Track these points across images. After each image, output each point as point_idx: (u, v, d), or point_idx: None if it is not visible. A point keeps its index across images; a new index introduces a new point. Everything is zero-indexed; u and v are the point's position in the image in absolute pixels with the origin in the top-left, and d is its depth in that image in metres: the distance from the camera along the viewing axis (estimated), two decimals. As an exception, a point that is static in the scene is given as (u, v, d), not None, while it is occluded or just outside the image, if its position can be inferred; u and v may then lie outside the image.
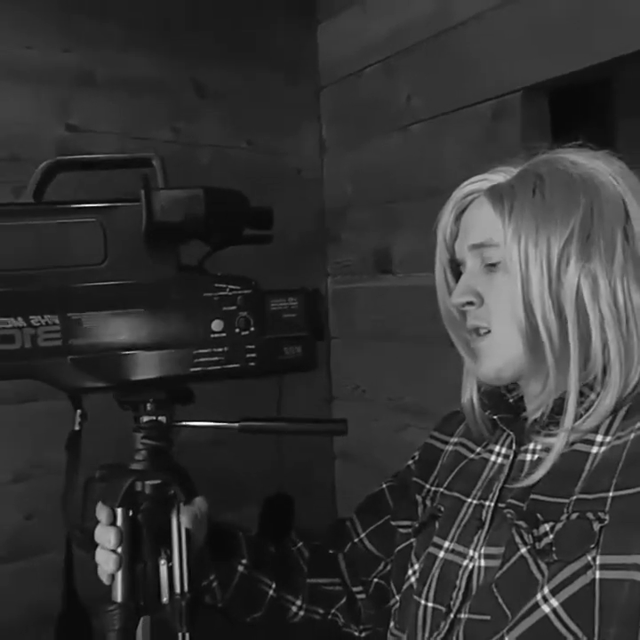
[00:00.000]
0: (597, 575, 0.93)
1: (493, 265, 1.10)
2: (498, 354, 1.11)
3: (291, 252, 2.49)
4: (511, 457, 1.14)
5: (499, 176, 1.14)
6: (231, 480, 2.15)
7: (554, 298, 1.03)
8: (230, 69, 2.50)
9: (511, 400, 1.21)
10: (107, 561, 1.09)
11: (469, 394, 1.22)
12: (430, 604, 1.12)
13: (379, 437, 2.51)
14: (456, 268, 1.20)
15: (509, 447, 1.16)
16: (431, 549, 1.17)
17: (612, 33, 1.73)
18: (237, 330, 1.06)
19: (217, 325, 1.05)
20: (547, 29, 1.88)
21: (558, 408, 1.06)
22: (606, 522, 0.94)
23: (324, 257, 2.75)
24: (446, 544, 1.15)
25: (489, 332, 1.11)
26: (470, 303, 1.12)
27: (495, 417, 1.18)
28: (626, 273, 1.04)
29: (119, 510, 1.09)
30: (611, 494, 0.96)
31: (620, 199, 1.06)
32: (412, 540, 1.25)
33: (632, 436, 0.99)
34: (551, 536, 0.98)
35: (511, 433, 1.15)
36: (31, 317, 1.01)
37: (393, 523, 1.33)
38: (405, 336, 2.41)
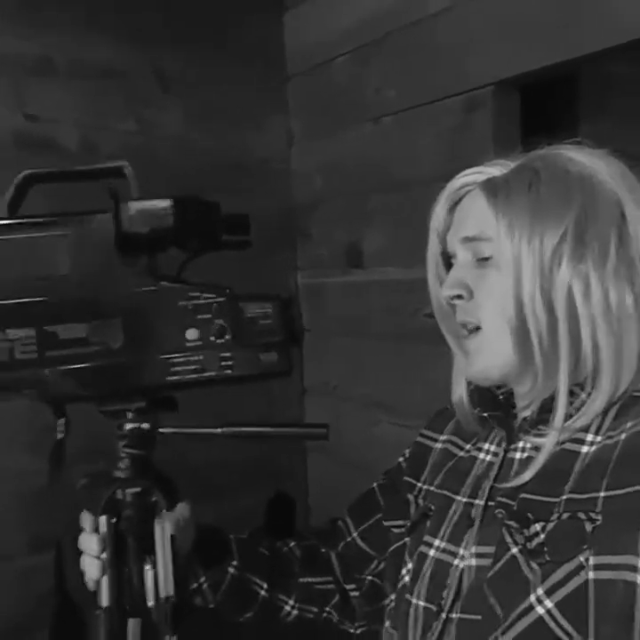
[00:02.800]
0: (591, 576, 0.94)
1: (485, 259, 1.09)
2: (487, 353, 1.10)
3: (260, 246, 2.44)
4: (501, 455, 1.14)
5: (495, 169, 1.12)
6: (201, 472, 2.11)
7: (545, 296, 1.02)
8: (195, 58, 2.46)
9: (501, 397, 1.20)
10: (91, 567, 1.11)
11: (460, 391, 1.22)
12: (422, 603, 1.13)
13: (351, 432, 2.50)
14: (448, 260, 1.18)
15: (499, 445, 1.16)
16: (422, 548, 1.17)
17: (580, 30, 1.72)
18: (213, 338, 1.06)
19: (192, 334, 1.05)
20: (519, 24, 1.87)
21: (548, 406, 1.06)
22: (599, 522, 0.94)
23: (294, 251, 2.73)
24: (437, 543, 1.15)
25: (478, 328, 1.11)
26: (459, 297, 1.11)
27: (485, 414, 1.18)
28: (618, 274, 1.03)
29: (102, 518, 1.11)
30: (602, 494, 0.96)
31: (616, 199, 1.05)
32: (406, 539, 1.26)
33: (623, 435, 0.99)
34: (542, 536, 0.99)
35: (501, 431, 1.15)
36: (8, 331, 1.03)
37: (385, 522, 1.34)
38: (377, 331, 2.41)
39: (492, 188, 1.08)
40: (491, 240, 1.07)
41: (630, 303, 1.03)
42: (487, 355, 1.10)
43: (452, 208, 1.17)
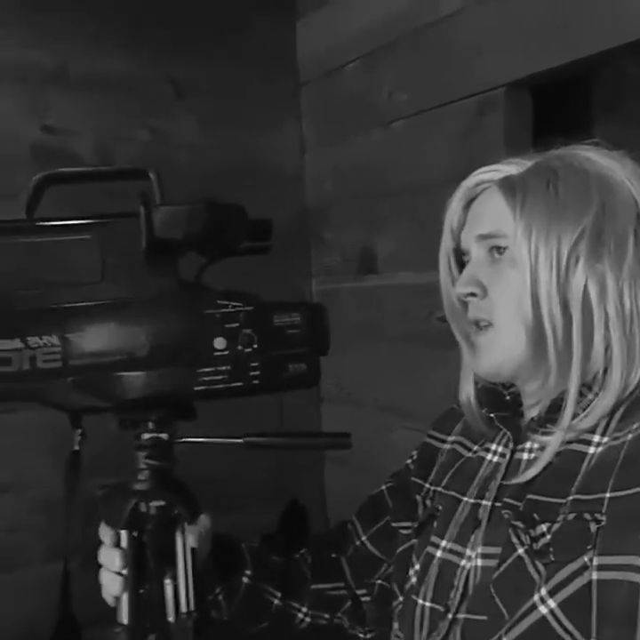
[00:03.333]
0: (595, 576, 0.94)
1: (501, 257, 1.09)
2: (499, 349, 1.10)
3: (274, 252, 2.45)
4: (508, 456, 1.14)
5: (511, 167, 1.12)
6: (218, 482, 2.12)
7: (561, 296, 1.03)
8: (208, 66, 2.46)
9: (508, 398, 1.20)
10: (112, 583, 1.07)
11: (467, 390, 1.22)
12: (428, 604, 1.13)
13: (365, 438, 2.45)
14: (460, 258, 1.18)
15: (506, 446, 1.16)
16: (429, 549, 1.17)
17: (593, 29, 1.73)
18: (240, 347, 1.03)
19: (219, 343, 1.03)
20: (530, 25, 1.87)
21: (556, 407, 1.06)
22: (603, 523, 0.95)
23: (308, 257, 2.73)
24: (444, 543, 1.15)
25: (490, 325, 1.10)
26: (473, 294, 1.11)
27: (492, 415, 1.18)
28: (634, 275, 1.04)
29: (123, 532, 1.07)
30: (607, 495, 0.96)
31: (632, 201, 1.06)
32: (414, 540, 1.25)
33: (629, 436, 1.00)
34: (548, 537, 0.99)
35: (508, 431, 1.15)
36: (29, 339, 0.98)
37: (393, 524, 1.33)
38: (391, 336, 2.41)
39: (509, 186, 1.08)
40: (507, 238, 1.07)
41: None
42: (498, 351, 1.10)
43: (467, 205, 1.16)
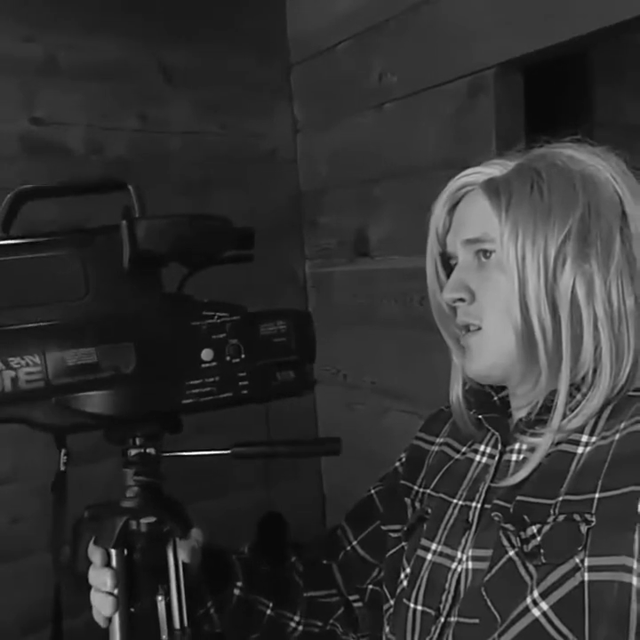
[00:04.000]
0: (586, 577, 0.93)
1: (488, 261, 1.08)
2: (488, 351, 1.09)
3: (268, 236, 2.45)
4: (497, 457, 1.13)
5: (494, 169, 1.11)
6: (212, 472, 2.13)
7: (549, 297, 1.02)
8: (198, 51, 2.43)
9: (496, 399, 1.20)
10: (103, 604, 1.06)
11: (457, 391, 1.21)
12: (419, 608, 1.12)
13: (361, 421, 2.52)
14: (447, 261, 1.17)
15: (495, 447, 1.15)
16: (419, 552, 1.17)
17: (585, 7, 1.71)
18: (228, 358, 1.03)
19: (207, 355, 1.02)
20: (520, 5, 1.86)
21: (545, 408, 1.06)
22: (593, 523, 0.94)
23: (301, 240, 2.72)
24: (434, 546, 1.15)
25: (479, 329, 1.10)
26: (461, 300, 1.10)
27: (480, 416, 1.17)
28: (621, 274, 1.03)
29: (114, 551, 1.06)
30: (597, 495, 0.96)
31: (617, 198, 1.05)
32: (404, 543, 1.25)
33: (617, 436, 0.99)
34: (539, 538, 0.98)
35: (496, 433, 1.15)
36: (10, 359, 0.96)
37: (383, 528, 1.33)
38: (385, 319, 2.41)
39: (493, 189, 1.07)
40: (494, 242, 1.06)
41: (631, 302, 1.04)
42: (489, 353, 1.10)
43: (452, 209, 1.16)
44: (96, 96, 2.24)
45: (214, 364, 1.02)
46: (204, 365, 1.02)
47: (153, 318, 1.02)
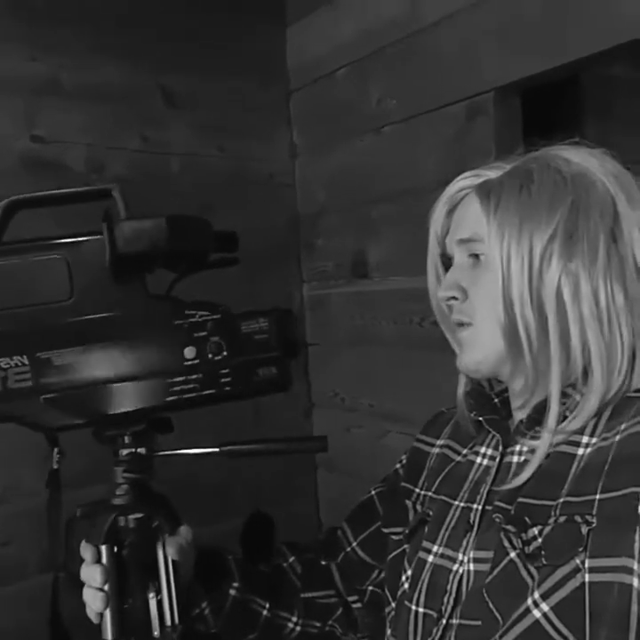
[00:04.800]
0: (587, 578, 0.92)
1: (478, 260, 1.10)
2: (478, 347, 1.11)
3: (265, 259, 2.50)
4: (497, 459, 1.13)
5: (491, 172, 1.13)
6: (211, 492, 2.14)
7: (534, 295, 1.03)
8: (198, 75, 2.48)
9: (496, 401, 1.21)
10: (94, 600, 1.08)
11: (459, 392, 1.23)
12: (421, 610, 1.12)
13: (360, 444, 2.51)
14: (447, 263, 1.19)
15: (495, 449, 1.15)
16: (421, 554, 1.16)
17: (580, 32, 1.74)
18: (210, 355, 1.05)
19: (189, 352, 1.05)
20: (517, 29, 1.89)
21: (542, 408, 1.06)
22: (594, 525, 0.94)
23: (299, 263, 2.74)
24: (435, 548, 1.14)
25: (470, 324, 1.12)
26: (454, 298, 1.12)
27: (481, 418, 1.18)
28: (609, 273, 1.03)
29: (103, 547, 1.08)
30: (597, 497, 0.95)
31: (610, 199, 1.05)
32: (405, 545, 1.24)
33: (617, 437, 0.99)
34: (540, 540, 0.98)
35: (497, 434, 1.15)
36: (-1, 360, 1.00)
37: (384, 529, 1.32)
38: (383, 341, 2.41)
39: (485, 191, 1.09)
40: (483, 241, 1.08)
41: (621, 302, 1.03)
42: (478, 348, 1.11)
43: (451, 211, 1.18)
44: (97, 116, 2.28)
45: (197, 361, 1.04)
46: (186, 363, 1.04)
47: (136, 318, 1.05)
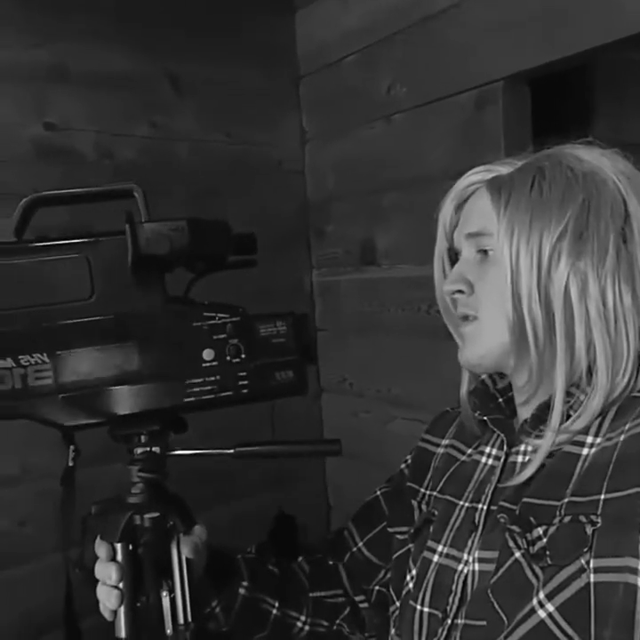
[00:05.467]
0: (592, 578, 0.93)
1: (486, 255, 1.10)
2: (482, 341, 1.11)
3: (274, 245, 2.48)
4: (502, 458, 1.14)
5: (502, 167, 1.13)
6: (220, 475, 2.14)
7: (542, 292, 1.03)
8: (207, 61, 2.47)
9: (501, 400, 1.21)
10: (108, 597, 1.08)
11: (463, 391, 1.23)
12: (426, 610, 1.13)
13: (367, 429, 2.52)
14: (454, 257, 1.19)
15: (500, 448, 1.15)
16: (426, 554, 1.17)
17: (590, 21, 1.74)
18: (228, 358, 1.05)
19: (208, 354, 1.05)
20: (528, 18, 1.89)
21: (548, 408, 1.06)
22: (599, 525, 0.94)
23: (308, 249, 2.74)
24: (440, 548, 1.15)
25: (475, 318, 1.11)
26: (460, 291, 1.12)
27: (485, 418, 1.18)
28: (618, 273, 1.03)
29: (119, 545, 1.09)
30: (602, 497, 0.95)
31: (620, 198, 1.05)
32: (410, 545, 1.25)
33: (622, 437, 0.99)
34: (545, 540, 0.98)
35: (501, 434, 1.15)
36: (20, 357, 1.01)
37: (390, 529, 1.33)
38: (392, 327, 2.42)
39: (496, 186, 1.09)
40: (492, 236, 1.08)
41: (629, 302, 1.03)
42: (481, 342, 1.11)
43: (460, 206, 1.17)
44: (106, 103, 2.28)
45: (215, 363, 1.05)
46: (205, 365, 1.05)
47: (156, 319, 1.05)
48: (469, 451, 1.23)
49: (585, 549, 0.94)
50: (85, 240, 1.04)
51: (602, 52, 1.83)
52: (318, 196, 2.70)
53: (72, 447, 1.10)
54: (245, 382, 1.06)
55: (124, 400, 1.03)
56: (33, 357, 1.01)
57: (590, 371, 1.04)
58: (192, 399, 1.04)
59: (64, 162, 2.20)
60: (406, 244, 2.34)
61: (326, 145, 2.64)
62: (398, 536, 1.30)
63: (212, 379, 1.05)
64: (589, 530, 0.94)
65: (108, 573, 1.08)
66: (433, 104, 2.20)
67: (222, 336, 1.05)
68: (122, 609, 1.08)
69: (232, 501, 2.36)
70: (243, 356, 1.06)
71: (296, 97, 2.70)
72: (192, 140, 2.45)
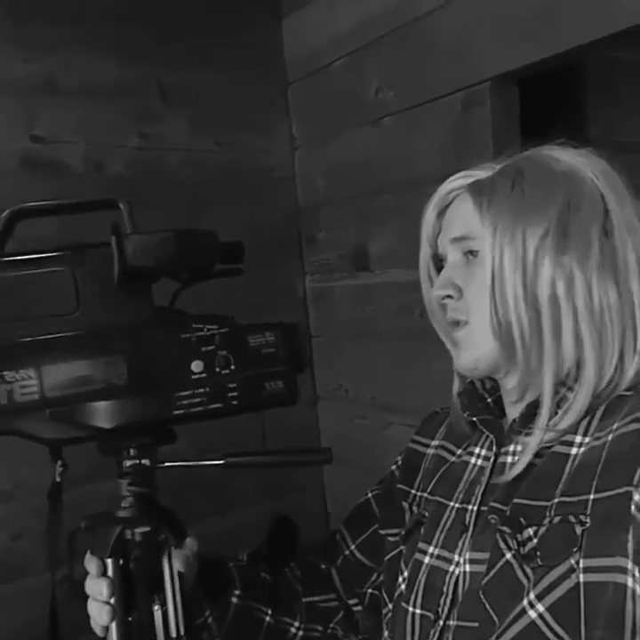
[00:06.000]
0: (581, 578, 0.93)
1: (473, 258, 1.10)
2: (474, 345, 1.11)
3: (267, 252, 2.49)
4: (492, 459, 1.14)
5: (481, 172, 1.14)
6: (218, 483, 2.13)
7: (528, 292, 1.04)
8: (195, 69, 2.45)
9: (490, 401, 1.21)
10: (100, 613, 1.07)
11: (456, 389, 1.23)
12: (418, 611, 1.13)
13: (363, 435, 2.52)
14: (439, 264, 1.19)
15: (489, 449, 1.16)
16: (417, 556, 1.17)
17: (578, 19, 1.73)
18: (218, 369, 1.05)
19: (197, 366, 1.04)
20: (514, 18, 1.88)
21: (536, 407, 1.07)
22: (588, 525, 0.95)
23: (301, 256, 2.73)
24: (431, 549, 1.15)
25: (466, 323, 1.12)
26: (449, 296, 1.12)
27: (475, 419, 1.18)
28: (602, 268, 1.04)
29: (109, 560, 1.08)
30: (591, 497, 0.96)
31: (599, 195, 1.06)
32: (402, 547, 1.25)
33: (610, 436, 0.99)
34: (535, 540, 0.98)
35: (491, 435, 1.16)
36: (5, 373, 0.99)
37: (381, 531, 1.33)
38: (385, 333, 2.41)
39: (477, 190, 1.10)
40: (477, 239, 1.09)
41: (614, 297, 1.04)
42: (474, 346, 1.12)
43: (442, 212, 1.18)
44: (95, 114, 2.26)
45: (204, 375, 1.04)
46: (194, 377, 1.04)
47: (143, 331, 1.04)
48: (459, 451, 1.23)
49: (574, 549, 0.94)
50: (70, 253, 1.03)
51: (590, 50, 1.82)
52: (309, 202, 2.68)
53: (59, 462, 1.09)
54: (235, 394, 1.05)
55: (112, 414, 1.02)
56: (19, 373, 0.99)
57: (578, 367, 1.05)
58: (181, 412, 1.03)
59: (52, 174, 2.18)
60: (398, 247, 2.33)
61: (316, 150, 2.63)
62: (390, 538, 1.30)
63: (202, 391, 1.04)
64: (579, 530, 0.95)
65: (98, 589, 1.08)
66: (421, 106, 2.19)
67: (211, 347, 1.05)
68: (113, 624, 1.07)
69: (231, 511, 2.35)
70: (232, 367, 1.05)
71: (285, 102, 2.69)
72: (182, 148, 2.44)
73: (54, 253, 1.03)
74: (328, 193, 2.60)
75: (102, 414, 1.02)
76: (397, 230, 2.32)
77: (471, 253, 1.11)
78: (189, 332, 1.04)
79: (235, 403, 1.05)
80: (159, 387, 1.03)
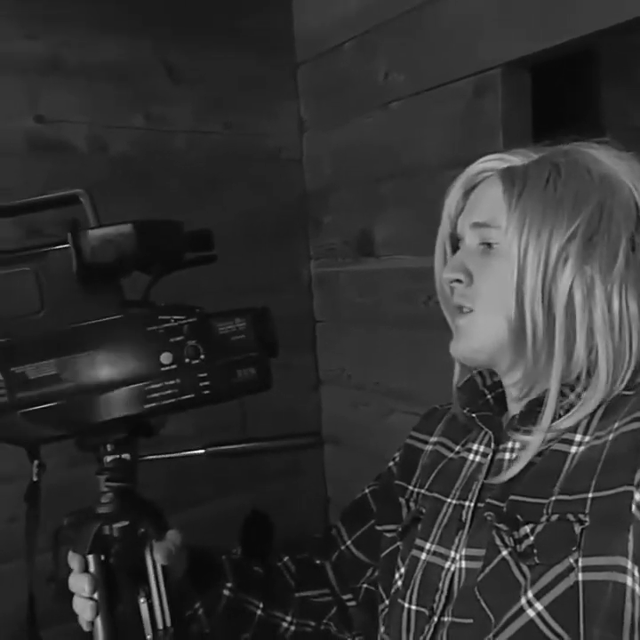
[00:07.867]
0: (580, 577, 0.92)
1: (490, 246, 1.08)
2: (476, 334, 1.10)
3: (272, 235, 2.48)
4: (490, 456, 1.13)
5: (516, 158, 1.11)
6: (217, 468, 2.12)
7: (545, 293, 1.02)
8: (202, 49, 2.42)
9: (489, 397, 1.20)
10: (84, 609, 1.08)
11: (456, 380, 1.22)
12: (414, 607, 1.12)
13: (366, 421, 2.51)
14: (456, 244, 1.17)
15: (488, 446, 1.14)
16: (414, 552, 1.16)
17: (592, 6, 1.68)
18: (187, 360, 1.04)
19: (166, 358, 1.03)
20: (527, 3, 1.84)
21: (538, 406, 1.05)
22: (587, 523, 0.93)
23: (306, 240, 2.71)
24: (428, 546, 1.14)
25: (471, 311, 1.10)
26: (459, 281, 1.10)
27: (474, 415, 1.16)
28: (625, 280, 1.01)
29: (90, 557, 1.09)
30: (590, 495, 0.95)
31: (633, 205, 1.03)
32: (399, 543, 1.24)
33: (611, 436, 0.98)
34: (532, 538, 0.97)
35: (489, 431, 1.14)
36: (-28, 377, 0.99)
37: (378, 527, 1.32)
38: (390, 319, 2.39)
39: (509, 177, 1.06)
40: (500, 228, 1.05)
41: (635, 310, 1.02)
42: (476, 336, 1.10)
43: (468, 192, 1.15)
44: (100, 94, 2.24)
45: (174, 366, 1.03)
46: (163, 369, 1.03)
47: (110, 327, 1.04)
48: (457, 448, 1.22)
49: (573, 548, 0.93)
50: (31, 252, 1.02)
51: (605, 37, 1.77)
52: (316, 186, 2.66)
53: (36, 462, 1.10)
54: (207, 383, 1.04)
55: (85, 411, 1.02)
56: (-15, 376, 0.99)
57: (589, 373, 1.03)
58: (153, 405, 1.03)
59: (57, 155, 2.16)
60: (404, 234, 2.30)
61: (324, 133, 2.60)
62: (387, 534, 1.29)
63: (172, 382, 1.03)
64: (577, 529, 0.94)
65: (81, 585, 1.09)
66: (431, 91, 2.14)
67: (179, 338, 1.04)
68: (99, 619, 1.08)
69: (229, 495, 2.35)
70: (202, 356, 1.04)
71: (293, 85, 2.65)
72: (188, 130, 2.41)
73: (14, 254, 1.03)
74: (335, 177, 2.57)
75: (74, 412, 1.02)
76: (403, 216, 2.29)
77: (488, 245, 1.08)
78: (156, 323, 1.03)
79: (207, 392, 1.04)
80: (130, 381, 1.03)
